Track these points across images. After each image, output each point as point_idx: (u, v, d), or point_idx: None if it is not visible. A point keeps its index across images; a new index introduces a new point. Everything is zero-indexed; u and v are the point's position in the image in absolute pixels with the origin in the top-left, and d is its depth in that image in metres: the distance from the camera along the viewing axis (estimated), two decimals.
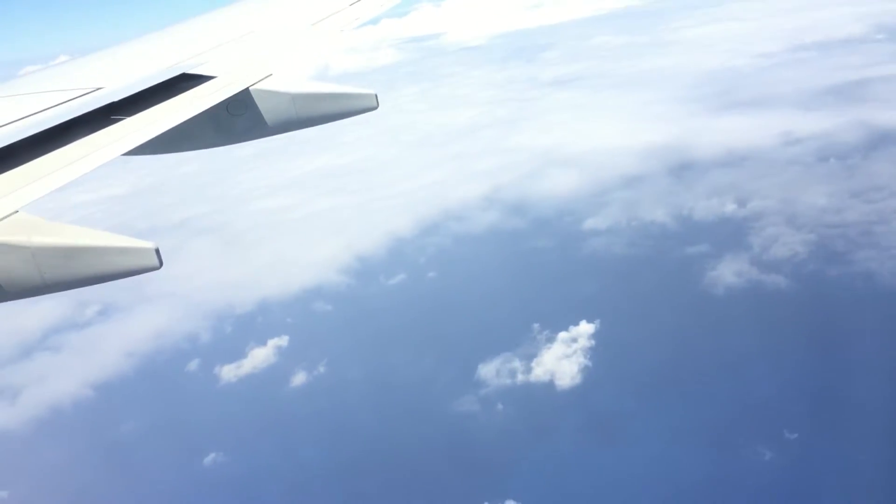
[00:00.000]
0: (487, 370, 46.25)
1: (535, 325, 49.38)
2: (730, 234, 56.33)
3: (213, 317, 58.89)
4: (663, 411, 40.69)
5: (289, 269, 63.64)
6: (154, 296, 63.02)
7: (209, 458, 43.00)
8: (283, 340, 53.73)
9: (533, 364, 46.19)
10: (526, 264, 60.32)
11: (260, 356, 52.51)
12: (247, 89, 6.31)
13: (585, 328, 48.13)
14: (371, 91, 6.25)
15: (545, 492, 37.40)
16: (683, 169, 71.25)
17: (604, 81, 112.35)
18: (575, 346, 46.96)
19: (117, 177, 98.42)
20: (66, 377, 51.64)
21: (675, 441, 38.45)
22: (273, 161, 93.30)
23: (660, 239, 59.00)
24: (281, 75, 6.61)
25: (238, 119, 6.38)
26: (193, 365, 52.98)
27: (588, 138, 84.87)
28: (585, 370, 45.23)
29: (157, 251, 4.04)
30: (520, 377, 45.60)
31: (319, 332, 54.89)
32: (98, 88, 6.17)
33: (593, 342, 47.14)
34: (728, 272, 51.26)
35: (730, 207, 60.62)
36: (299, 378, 49.50)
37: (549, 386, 44.73)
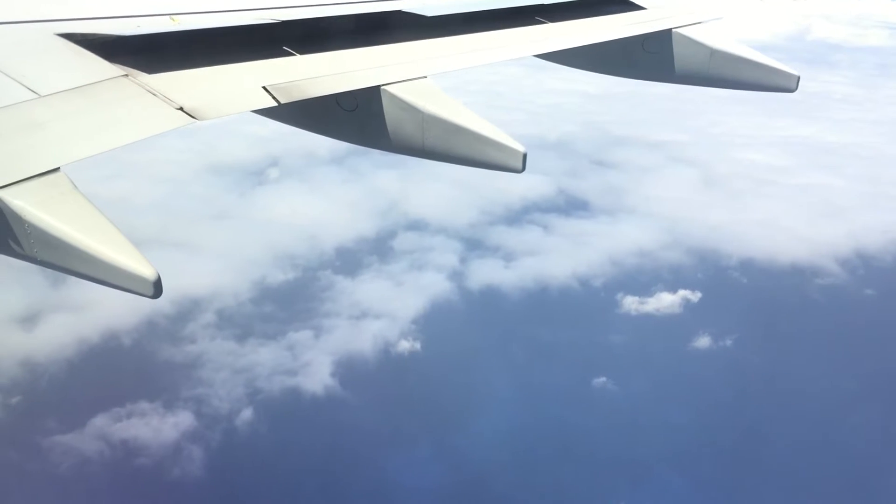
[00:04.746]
0: None
1: None
2: None
3: (681, 247, 55.89)
4: None
5: (779, 235, 57.95)
6: (633, 209, 61.52)
7: (598, 381, 42.79)
8: (696, 296, 51.14)
9: None
10: None
11: (666, 301, 50.70)
12: (670, 30, 6.31)
13: None
14: (794, 72, 5.91)
15: None
16: None
17: None
18: None
19: (586, 74, 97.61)
20: (557, 260, 51.89)
21: None
22: (750, 112, 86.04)
23: None
24: (709, 26, 6.41)
25: (650, 56, 6.34)
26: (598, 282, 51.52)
27: None
28: None
29: (525, 156, 4.43)
30: None
31: (740, 303, 50.57)
32: None
33: None
34: None
35: None
36: (703, 341, 46.84)
37: None
